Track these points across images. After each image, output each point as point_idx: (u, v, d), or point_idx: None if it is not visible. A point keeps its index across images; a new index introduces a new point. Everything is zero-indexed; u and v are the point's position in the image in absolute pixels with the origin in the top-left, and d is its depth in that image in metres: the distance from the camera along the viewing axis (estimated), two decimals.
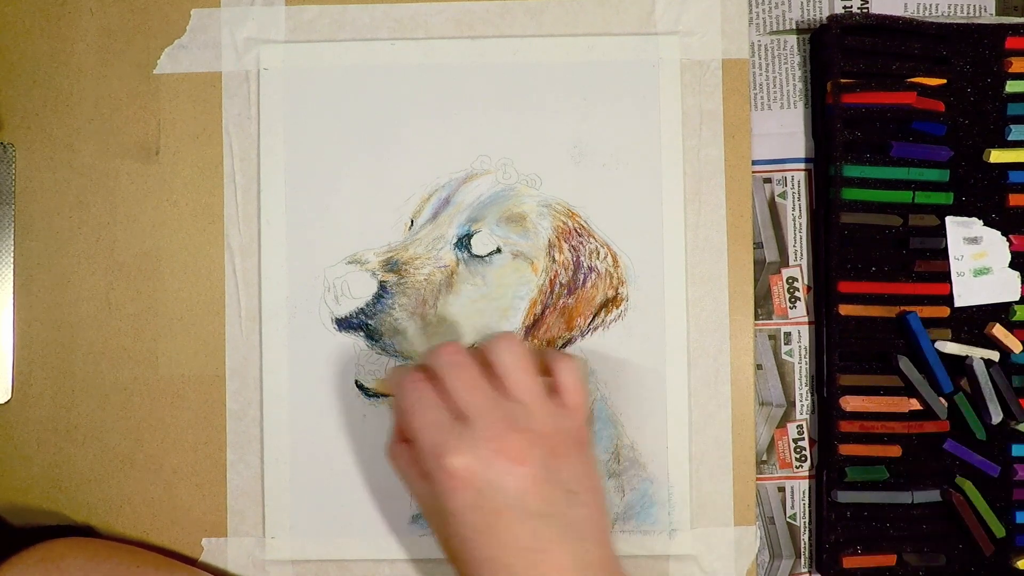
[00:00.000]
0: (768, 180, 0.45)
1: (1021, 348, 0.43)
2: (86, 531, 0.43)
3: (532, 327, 0.43)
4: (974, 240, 0.44)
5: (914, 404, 0.43)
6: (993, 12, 0.46)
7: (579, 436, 0.37)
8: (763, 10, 0.45)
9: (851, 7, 0.45)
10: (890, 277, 0.44)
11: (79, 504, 0.44)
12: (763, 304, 0.45)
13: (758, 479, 0.44)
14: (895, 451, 0.43)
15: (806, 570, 0.44)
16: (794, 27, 0.45)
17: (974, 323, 0.44)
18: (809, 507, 0.44)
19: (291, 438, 0.44)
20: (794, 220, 0.45)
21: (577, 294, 0.43)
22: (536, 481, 0.34)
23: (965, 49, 0.44)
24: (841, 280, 0.43)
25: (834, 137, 0.43)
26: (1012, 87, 0.44)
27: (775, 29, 0.45)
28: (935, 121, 0.44)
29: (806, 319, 0.45)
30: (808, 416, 0.45)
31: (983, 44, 0.44)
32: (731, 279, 0.44)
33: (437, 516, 0.36)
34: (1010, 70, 0.44)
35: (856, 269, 0.44)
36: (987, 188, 0.44)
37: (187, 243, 0.44)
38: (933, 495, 0.43)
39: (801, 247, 0.45)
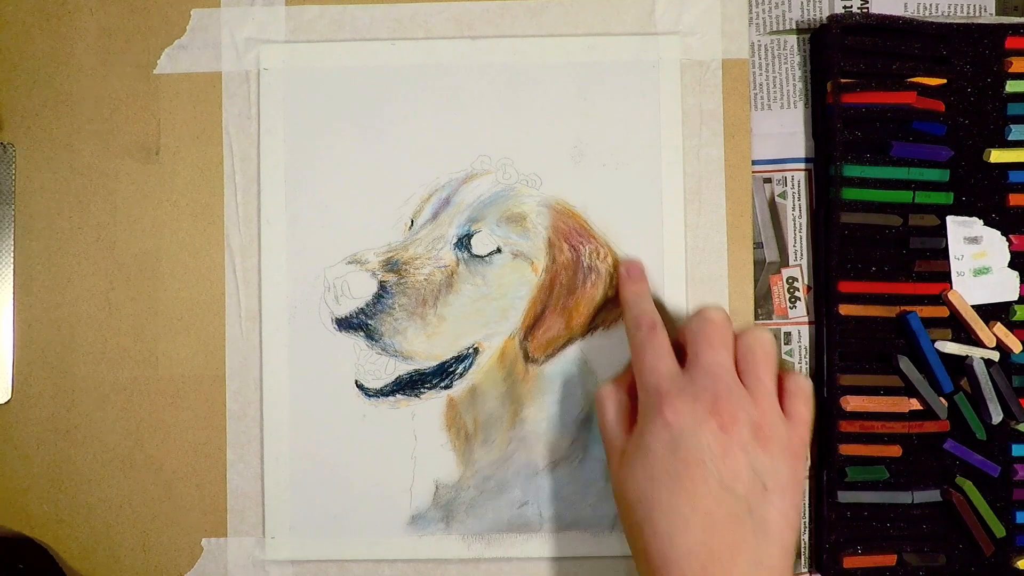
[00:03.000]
0: (768, 180, 0.45)
1: (1021, 348, 0.43)
2: (40, 550, 0.43)
3: (532, 327, 0.43)
4: (974, 240, 0.44)
5: (914, 404, 0.44)
6: (993, 12, 0.46)
7: (793, 445, 0.36)
8: (763, 10, 0.45)
9: (851, 7, 0.45)
10: (890, 277, 0.44)
11: (79, 504, 0.44)
12: (763, 304, 0.45)
13: None
14: (895, 451, 0.43)
15: (806, 570, 0.44)
16: (794, 27, 0.45)
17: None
18: (809, 507, 0.44)
19: (291, 438, 0.44)
20: (794, 220, 0.45)
21: (577, 294, 0.43)
22: (733, 453, 0.35)
23: (965, 49, 0.44)
24: (841, 280, 0.43)
25: (834, 137, 0.43)
26: (1012, 87, 0.44)
27: (775, 29, 0.45)
28: (935, 121, 0.44)
29: (806, 319, 0.45)
30: None
31: (983, 44, 0.44)
32: (731, 279, 0.44)
33: (631, 457, 0.36)
34: (1010, 70, 0.44)
35: (856, 269, 0.44)
36: (987, 188, 0.44)
37: (187, 243, 0.44)
38: (933, 495, 0.43)
39: (801, 247, 0.45)
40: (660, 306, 0.42)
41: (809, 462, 0.37)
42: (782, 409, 0.37)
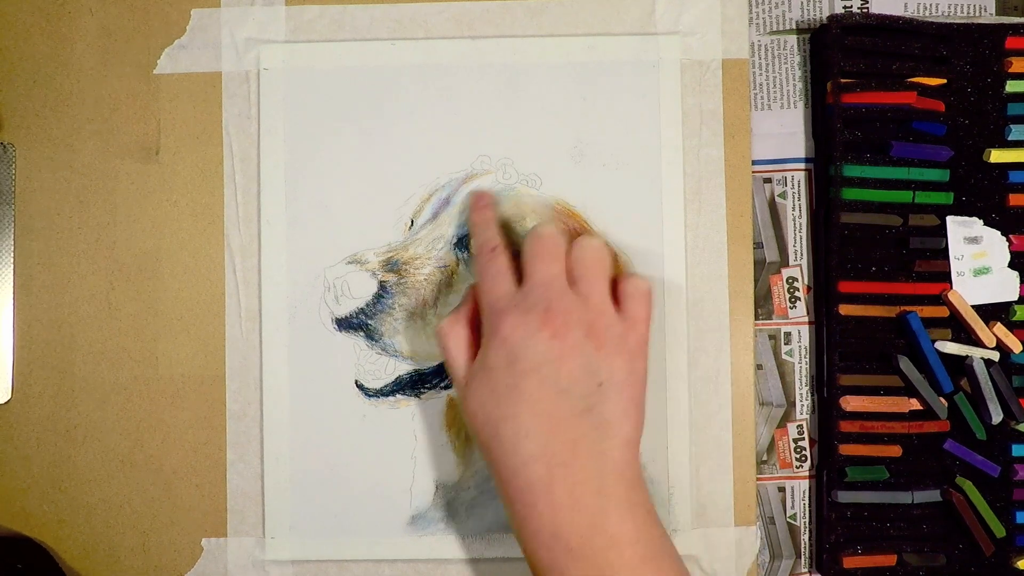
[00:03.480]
0: (768, 180, 0.45)
1: (1021, 348, 0.43)
2: (39, 549, 0.43)
3: None
4: (974, 240, 0.44)
5: (914, 404, 0.44)
6: (993, 12, 0.46)
7: (631, 343, 0.37)
8: (763, 10, 0.45)
9: (851, 7, 0.45)
10: (890, 277, 0.44)
11: (79, 504, 0.44)
12: (763, 304, 0.45)
13: (758, 479, 0.44)
14: (895, 451, 0.43)
15: (806, 570, 0.44)
16: (794, 27, 0.45)
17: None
18: (809, 507, 0.44)
19: (291, 438, 0.44)
20: (794, 220, 0.45)
21: None
22: (567, 358, 0.36)
23: (965, 49, 0.44)
24: (841, 280, 0.43)
25: (834, 137, 0.43)
26: (1012, 87, 0.44)
27: (775, 29, 0.45)
28: (935, 121, 0.44)
29: (806, 319, 0.45)
30: (808, 416, 0.45)
31: (983, 44, 0.44)
32: (731, 279, 0.44)
33: (475, 379, 0.38)
34: (1010, 70, 0.44)
35: (856, 269, 0.44)
36: (987, 188, 0.44)
37: (187, 243, 0.44)
38: (933, 495, 0.43)
39: (801, 247, 0.45)
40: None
41: (647, 362, 0.38)
42: (621, 311, 0.38)
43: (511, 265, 0.39)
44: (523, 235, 0.43)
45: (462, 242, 0.44)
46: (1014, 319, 0.44)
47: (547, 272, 0.38)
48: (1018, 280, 0.44)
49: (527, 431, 0.35)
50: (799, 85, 0.45)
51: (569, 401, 0.36)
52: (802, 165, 0.45)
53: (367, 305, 0.44)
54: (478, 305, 0.39)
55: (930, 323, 0.43)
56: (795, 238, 0.45)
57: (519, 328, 0.36)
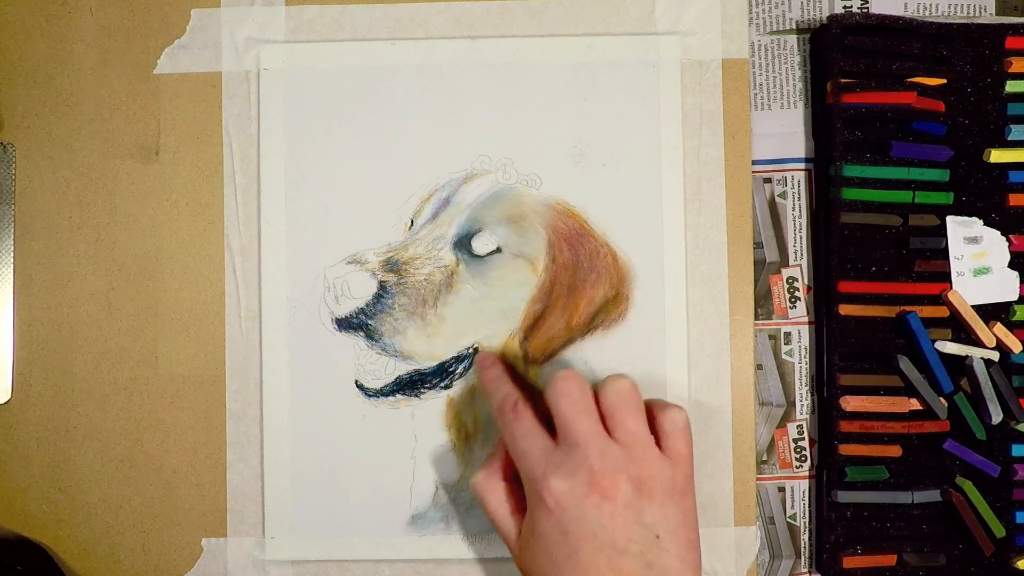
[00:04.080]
0: (768, 180, 0.45)
1: (1021, 348, 0.43)
2: (39, 550, 0.43)
3: (532, 327, 0.43)
4: (974, 240, 0.44)
5: (914, 404, 0.44)
6: (993, 12, 0.46)
7: (678, 485, 0.37)
8: (763, 10, 0.45)
9: (851, 7, 0.45)
10: (890, 277, 0.44)
11: (79, 504, 0.44)
12: (763, 304, 0.45)
13: (758, 479, 0.44)
14: (895, 451, 0.43)
15: (806, 570, 0.44)
16: (794, 27, 0.45)
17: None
18: (809, 507, 0.44)
19: (291, 438, 0.44)
20: (794, 220, 0.45)
21: (577, 294, 0.43)
22: (620, 518, 0.35)
23: (965, 49, 0.44)
24: (841, 280, 0.43)
25: (834, 137, 0.43)
26: (1012, 87, 0.44)
27: (775, 29, 0.45)
28: (935, 121, 0.44)
29: (806, 319, 0.45)
30: (808, 416, 0.45)
31: (983, 44, 0.44)
32: (731, 279, 0.44)
33: (526, 542, 0.37)
34: (1010, 70, 0.44)
35: (856, 269, 0.44)
36: (987, 188, 0.44)
37: (187, 243, 0.44)
38: (933, 495, 0.43)
39: (801, 247, 0.45)
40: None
41: (694, 496, 0.38)
42: (661, 449, 0.37)
43: (537, 418, 0.38)
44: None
45: (462, 242, 0.44)
46: (1014, 319, 0.44)
47: (582, 428, 0.36)
48: (1018, 280, 0.44)
49: None
50: (799, 85, 0.45)
51: (629, 561, 0.35)
52: (802, 165, 0.45)
53: (367, 305, 0.44)
54: (512, 461, 0.38)
55: (930, 323, 0.43)
56: (795, 238, 0.45)
57: (566, 496, 0.35)
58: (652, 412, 0.38)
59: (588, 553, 0.35)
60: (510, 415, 0.38)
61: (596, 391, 0.38)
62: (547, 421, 0.38)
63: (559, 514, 0.35)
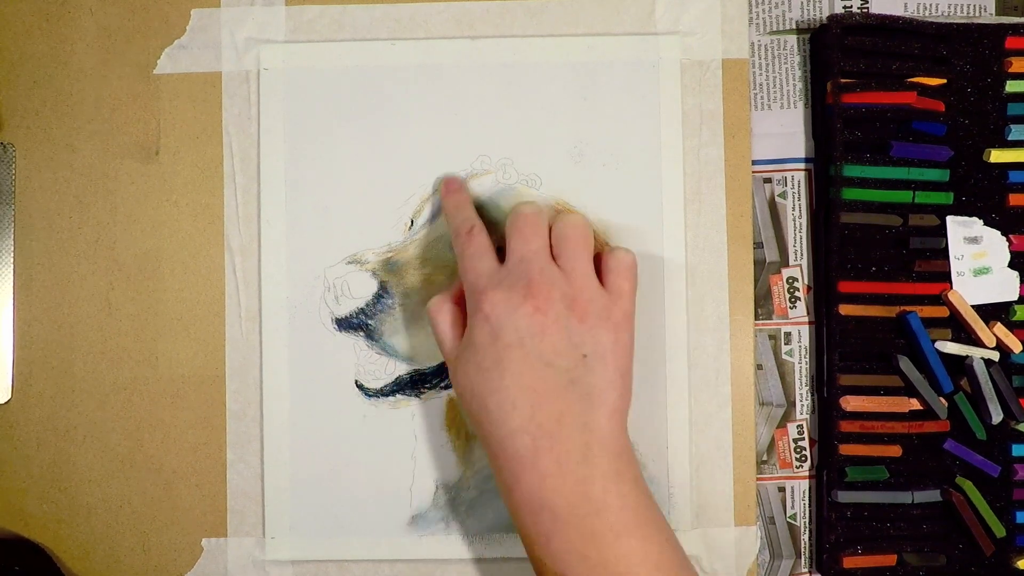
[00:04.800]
0: (768, 180, 0.45)
1: (1021, 348, 0.43)
2: (38, 551, 0.43)
3: None
4: (974, 240, 0.44)
5: (914, 404, 0.44)
6: (993, 12, 0.46)
7: (614, 316, 0.38)
8: (763, 10, 0.45)
9: (851, 7, 0.45)
10: (890, 277, 0.44)
11: (79, 504, 0.44)
12: (763, 304, 0.45)
13: (758, 479, 0.44)
14: (895, 451, 0.43)
15: (806, 570, 0.44)
16: (794, 27, 0.45)
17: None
18: (809, 507, 0.44)
19: (291, 438, 0.44)
20: (794, 220, 0.45)
21: None
22: (550, 331, 0.36)
23: (965, 49, 0.44)
24: (841, 280, 0.43)
25: (834, 137, 0.43)
26: (1012, 87, 0.44)
27: (775, 29, 0.45)
28: (935, 121, 0.44)
29: (806, 319, 0.45)
30: (808, 416, 0.45)
31: (983, 44, 0.44)
32: (731, 279, 0.44)
33: (462, 356, 0.38)
34: (1010, 70, 0.44)
35: (856, 269, 0.44)
36: (987, 188, 0.44)
37: (187, 243, 0.44)
38: (933, 495, 0.43)
39: (801, 247, 0.45)
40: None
41: (632, 333, 0.39)
42: (605, 285, 0.39)
43: (491, 244, 0.40)
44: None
45: None
46: (1014, 319, 0.44)
47: (528, 247, 0.38)
48: (1018, 280, 0.44)
49: (513, 404, 0.36)
50: (799, 85, 0.45)
51: (554, 373, 0.36)
52: (802, 165, 0.45)
53: (367, 305, 0.44)
54: (462, 284, 0.40)
55: (930, 323, 0.43)
56: (795, 238, 0.45)
57: (501, 304, 0.37)
58: (601, 254, 0.40)
59: (515, 361, 0.36)
60: (464, 237, 0.40)
61: (551, 225, 0.40)
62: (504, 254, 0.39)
63: (493, 320, 0.37)
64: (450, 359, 0.39)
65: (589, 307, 0.37)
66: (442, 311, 0.40)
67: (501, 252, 0.40)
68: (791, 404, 0.45)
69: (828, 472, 0.43)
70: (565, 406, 0.36)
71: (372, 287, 0.44)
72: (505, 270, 0.38)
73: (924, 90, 0.44)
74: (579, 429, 0.36)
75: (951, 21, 0.45)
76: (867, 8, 0.45)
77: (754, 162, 0.45)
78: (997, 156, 0.44)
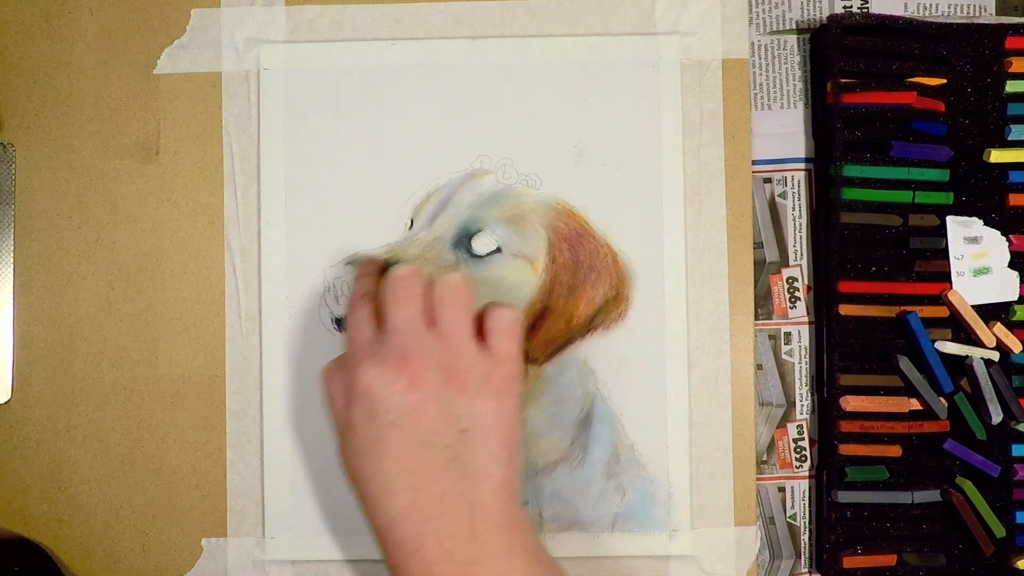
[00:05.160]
0: (768, 180, 0.45)
1: (1021, 348, 0.43)
2: (38, 551, 0.43)
3: (532, 327, 0.43)
4: (974, 240, 0.44)
5: (914, 404, 0.44)
6: (993, 12, 0.46)
7: (496, 382, 0.36)
8: (763, 10, 0.45)
9: (851, 7, 0.45)
10: (890, 277, 0.44)
11: (79, 504, 0.44)
12: (763, 304, 0.45)
13: (758, 479, 0.44)
14: (895, 451, 0.43)
15: (806, 570, 0.44)
16: (794, 27, 0.45)
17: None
18: (809, 507, 0.44)
19: (291, 438, 0.44)
20: (794, 220, 0.45)
21: (577, 294, 0.43)
22: (426, 407, 0.35)
23: (965, 49, 0.44)
24: (841, 280, 0.43)
25: (834, 137, 0.43)
26: (1012, 87, 0.44)
27: (775, 29, 0.45)
28: (935, 121, 0.44)
29: (806, 319, 0.45)
30: (808, 416, 0.45)
31: (983, 44, 0.44)
32: (731, 279, 0.44)
33: (343, 433, 0.36)
34: (1010, 70, 0.44)
35: (856, 269, 0.44)
36: (987, 188, 0.44)
37: (187, 243, 0.44)
38: (933, 495, 0.43)
39: (801, 247, 0.45)
40: None
41: (518, 398, 0.36)
42: (486, 348, 0.36)
43: (376, 312, 0.38)
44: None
45: (462, 242, 0.44)
46: (1014, 319, 0.44)
47: (402, 315, 0.36)
48: (1018, 280, 0.44)
49: (393, 488, 0.34)
50: (799, 85, 0.45)
51: (433, 452, 0.34)
52: (802, 165, 0.45)
53: None
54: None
55: (930, 323, 0.43)
56: (795, 238, 0.45)
57: (376, 380, 0.35)
58: (483, 314, 0.38)
59: (392, 441, 0.34)
60: (355, 304, 0.38)
61: (428, 288, 0.37)
62: None
63: (368, 399, 0.35)
64: (336, 434, 0.37)
65: (468, 375, 0.35)
66: (332, 379, 0.38)
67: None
68: (791, 404, 0.45)
69: (828, 472, 0.43)
70: (447, 486, 0.34)
71: None
72: (379, 340, 0.36)
73: (924, 90, 0.44)
74: (463, 509, 0.34)
75: (951, 21, 0.45)
76: (867, 8, 0.45)
77: (754, 162, 0.45)
78: (997, 156, 0.44)
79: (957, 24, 0.44)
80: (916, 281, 0.44)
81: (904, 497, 0.43)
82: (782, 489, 0.45)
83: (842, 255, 0.44)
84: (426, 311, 0.37)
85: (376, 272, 0.40)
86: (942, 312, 0.44)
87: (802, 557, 0.45)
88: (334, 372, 0.38)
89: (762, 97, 0.45)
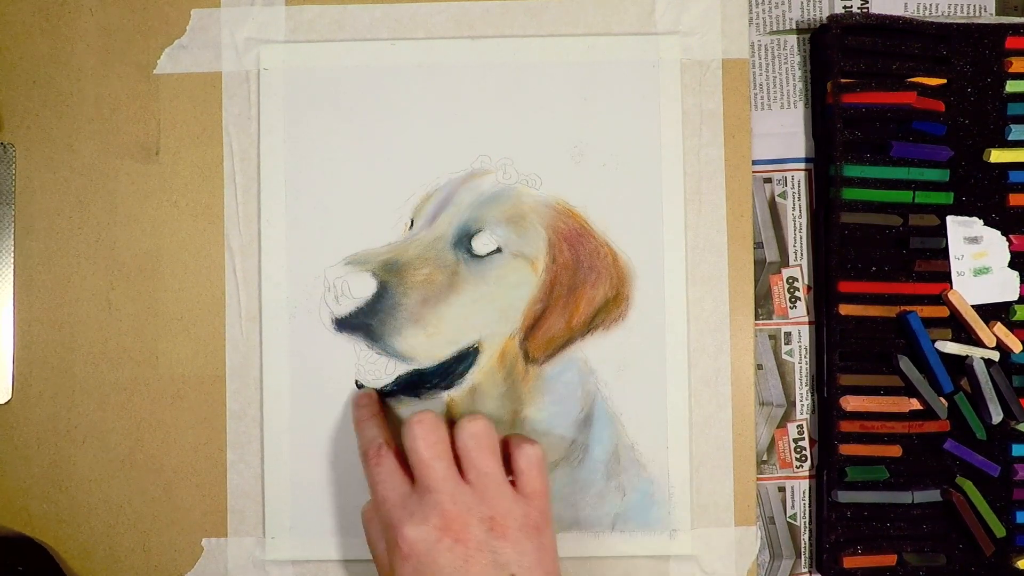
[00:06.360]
0: (768, 180, 0.45)
1: (1021, 348, 0.43)
2: (40, 550, 0.43)
3: (532, 327, 0.43)
4: (974, 240, 0.44)
5: (914, 404, 0.44)
6: (993, 12, 0.46)
7: (533, 521, 0.37)
8: (763, 10, 0.45)
9: (851, 7, 0.45)
10: (890, 277, 0.44)
11: (79, 504, 0.44)
12: (763, 304, 0.45)
13: (758, 479, 0.44)
14: (895, 451, 0.43)
15: (806, 570, 0.44)
16: (794, 27, 0.45)
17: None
18: (809, 507, 0.45)
19: (291, 438, 0.44)
20: (794, 220, 0.45)
21: (577, 294, 0.43)
22: (473, 560, 0.36)
23: (965, 49, 0.44)
24: (841, 280, 0.43)
25: (834, 137, 0.43)
26: (1012, 87, 0.44)
27: (775, 29, 0.45)
28: (935, 121, 0.44)
29: (806, 319, 0.45)
30: (808, 416, 0.45)
31: (983, 44, 0.44)
32: (731, 279, 0.44)
33: None
34: (1010, 70, 0.44)
35: (856, 269, 0.44)
36: (987, 188, 0.44)
37: (187, 243, 0.44)
38: (933, 495, 0.43)
39: (801, 247, 0.45)
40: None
41: (552, 528, 0.38)
42: (517, 486, 0.38)
43: (399, 463, 0.39)
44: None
45: (462, 242, 0.44)
46: (1014, 319, 0.44)
47: (436, 473, 0.37)
48: (1018, 280, 0.44)
49: None
50: (799, 85, 0.45)
51: None
52: (802, 165, 0.45)
53: (367, 305, 0.44)
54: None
55: (930, 323, 0.43)
56: (795, 238, 0.45)
57: (421, 542, 0.36)
58: (508, 449, 0.39)
59: None
60: (372, 460, 0.39)
61: (452, 432, 0.38)
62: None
63: (414, 560, 0.36)
64: (378, 571, 0.39)
65: (507, 522, 0.37)
66: (372, 524, 0.39)
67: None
68: (791, 404, 0.45)
69: (828, 472, 0.43)
70: None
71: (372, 287, 0.44)
72: (416, 499, 0.37)
73: (924, 90, 0.44)
74: None
75: (951, 21, 0.45)
76: (867, 8, 0.45)
77: (754, 162, 0.45)
78: (997, 156, 0.44)
79: (957, 24, 0.44)
80: (916, 281, 0.44)
81: (904, 497, 0.43)
82: (782, 489, 0.45)
83: (842, 255, 0.44)
84: (454, 459, 0.38)
85: (377, 418, 0.41)
86: (942, 312, 0.44)
87: (802, 557, 0.45)
88: (372, 515, 0.39)
89: (762, 97, 0.45)
